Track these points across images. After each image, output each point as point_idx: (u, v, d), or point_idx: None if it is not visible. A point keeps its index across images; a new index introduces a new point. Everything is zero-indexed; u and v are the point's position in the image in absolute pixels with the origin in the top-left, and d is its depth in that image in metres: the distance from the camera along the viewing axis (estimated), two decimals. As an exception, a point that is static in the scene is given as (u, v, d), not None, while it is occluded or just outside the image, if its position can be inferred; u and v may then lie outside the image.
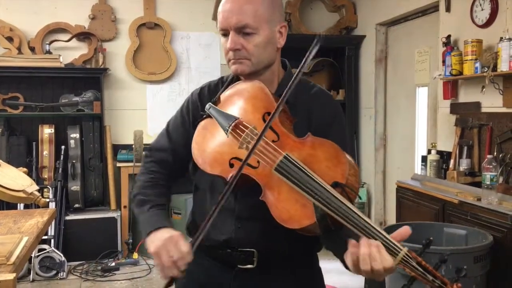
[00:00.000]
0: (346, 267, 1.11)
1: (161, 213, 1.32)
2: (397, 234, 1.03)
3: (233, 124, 1.23)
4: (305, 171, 1.09)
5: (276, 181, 1.13)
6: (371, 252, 1.00)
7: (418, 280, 0.99)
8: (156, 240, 1.20)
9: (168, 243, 1.17)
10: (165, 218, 1.30)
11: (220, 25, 1.29)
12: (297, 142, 1.17)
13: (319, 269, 1.45)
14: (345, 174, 1.08)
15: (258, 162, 1.16)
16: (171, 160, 1.41)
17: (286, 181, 1.10)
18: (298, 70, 1.16)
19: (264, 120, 1.21)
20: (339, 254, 1.11)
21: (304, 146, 1.16)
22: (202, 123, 1.31)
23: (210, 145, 1.26)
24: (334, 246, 1.16)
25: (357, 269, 1.04)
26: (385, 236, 1.01)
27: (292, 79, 1.17)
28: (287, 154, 1.12)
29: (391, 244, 1.00)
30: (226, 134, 1.24)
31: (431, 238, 1.03)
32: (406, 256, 0.98)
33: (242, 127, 1.22)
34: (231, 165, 1.20)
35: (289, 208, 1.09)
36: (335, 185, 1.06)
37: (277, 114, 1.17)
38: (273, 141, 1.17)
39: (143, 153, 1.55)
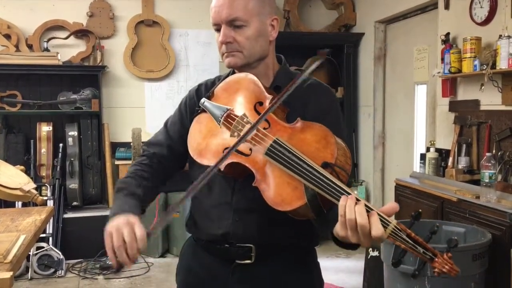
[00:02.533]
0: (336, 241, 1.14)
1: (130, 201, 1.30)
2: (385, 208, 1.05)
3: (225, 115, 1.27)
4: (295, 153, 1.12)
5: (268, 166, 1.16)
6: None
7: (409, 252, 1.02)
8: (112, 222, 1.20)
9: (123, 226, 1.17)
10: (131, 205, 1.28)
11: (213, 20, 1.33)
12: (287, 127, 1.21)
13: (317, 264, 1.46)
14: (334, 154, 1.11)
15: (250, 149, 1.20)
16: (166, 154, 1.44)
17: (276, 164, 1.14)
18: (300, 75, 1.19)
19: (256, 109, 1.26)
20: (331, 231, 1.12)
21: (294, 130, 1.20)
22: (196, 118, 1.35)
23: (204, 137, 1.30)
24: (327, 226, 1.16)
25: (344, 227, 1.04)
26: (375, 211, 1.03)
27: (296, 83, 1.19)
28: (277, 138, 1.16)
29: (381, 217, 1.03)
30: (219, 124, 1.28)
31: (420, 210, 1.06)
32: (395, 228, 1.02)
33: (233, 116, 1.27)
34: None
35: (281, 192, 1.13)
36: (325, 165, 1.10)
37: (274, 108, 1.20)
38: (264, 128, 1.21)
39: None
